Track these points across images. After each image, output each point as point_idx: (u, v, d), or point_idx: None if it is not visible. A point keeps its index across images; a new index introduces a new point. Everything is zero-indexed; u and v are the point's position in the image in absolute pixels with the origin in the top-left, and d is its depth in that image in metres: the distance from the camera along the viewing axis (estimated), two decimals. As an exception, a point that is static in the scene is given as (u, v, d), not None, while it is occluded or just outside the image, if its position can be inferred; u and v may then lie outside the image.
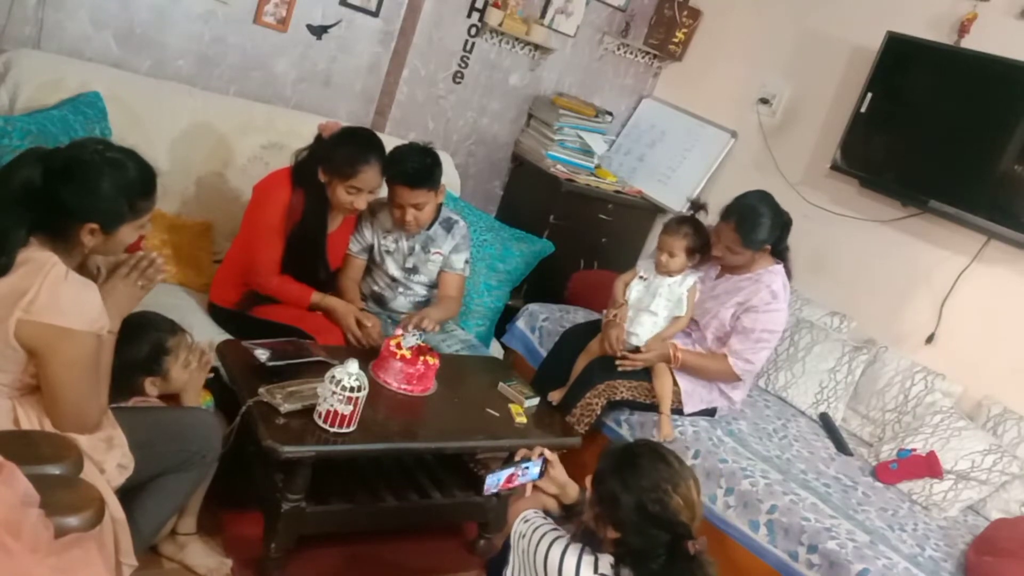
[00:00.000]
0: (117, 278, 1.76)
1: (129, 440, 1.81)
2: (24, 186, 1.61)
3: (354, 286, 2.81)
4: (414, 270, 2.85)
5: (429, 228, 2.80)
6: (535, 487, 1.94)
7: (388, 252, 2.82)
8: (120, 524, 1.71)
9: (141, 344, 1.98)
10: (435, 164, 2.67)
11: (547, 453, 1.96)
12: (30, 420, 1.72)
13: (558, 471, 1.95)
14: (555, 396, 2.85)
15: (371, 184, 2.56)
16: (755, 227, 2.75)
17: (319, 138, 2.61)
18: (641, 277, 2.90)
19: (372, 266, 2.87)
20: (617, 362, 2.81)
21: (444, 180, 3.45)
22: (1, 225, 1.59)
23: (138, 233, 1.76)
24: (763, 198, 2.81)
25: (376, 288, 2.89)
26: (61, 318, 1.59)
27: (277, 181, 2.58)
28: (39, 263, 1.60)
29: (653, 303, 2.83)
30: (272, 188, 2.57)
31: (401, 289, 2.88)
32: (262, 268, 2.57)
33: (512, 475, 1.92)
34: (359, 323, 2.59)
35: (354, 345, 2.58)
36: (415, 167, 2.62)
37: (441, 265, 2.86)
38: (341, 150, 2.53)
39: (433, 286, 2.91)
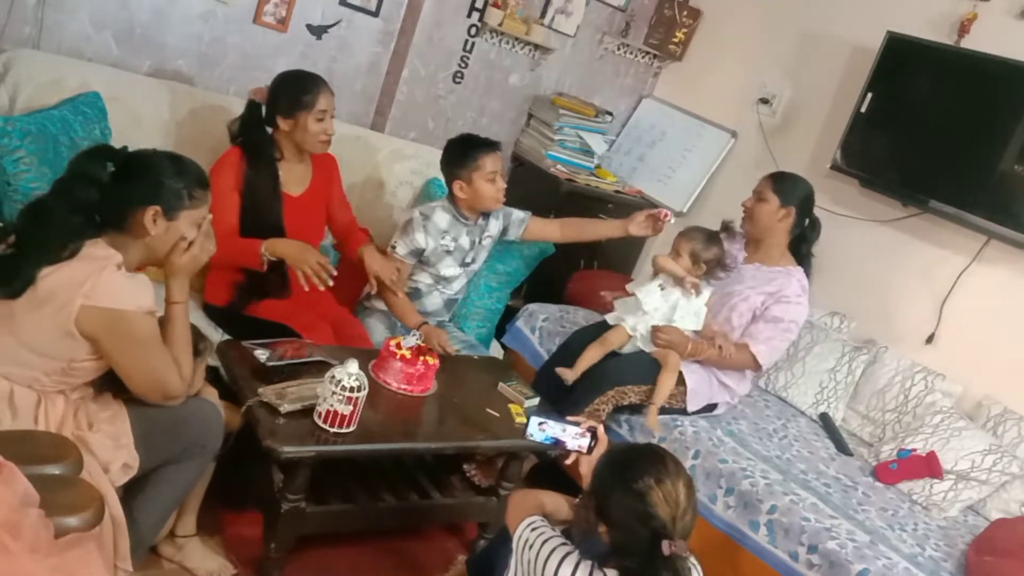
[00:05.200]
0: (177, 253, 1.88)
1: (134, 434, 1.82)
2: (92, 175, 1.77)
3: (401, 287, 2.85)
4: (472, 262, 2.97)
5: (480, 218, 2.93)
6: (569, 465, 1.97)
7: (448, 252, 2.87)
8: (119, 527, 1.71)
9: None
10: None
11: (600, 430, 1.97)
12: (48, 419, 1.74)
13: (599, 454, 1.95)
14: (567, 373, 2.79)
15: (332, 105, 2.64)
16: (789, 181, 2.92)
17: (253, 103, 2.63)
18: (660, 287, 2.85)
19: (417, 267, 2.92)
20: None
21: (443, 179, 3.48)
22: (68, 214, 1.73)
23: (195, 229, 1.89)
24: (805, 181, 2.98)
25: (414, 287, 2.93)
26: (118, 302, 1.72)
27: (228, 153, 2.60)
28: (98, 257, 1.73)
29: (674, 316, 2.81)
30: (224, 159, 2.59)
31: (441, 286, 2.95)
32: (218, 231, 2.52)
33: (560, 440, 1.96)
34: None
35: (310, 285, 2.51)
36: (486, 137, 2.85)
37: (507, 234, 3.04)
38: (290, 88, 2.60)
39: (471, 278, 3.05)
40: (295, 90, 2.59)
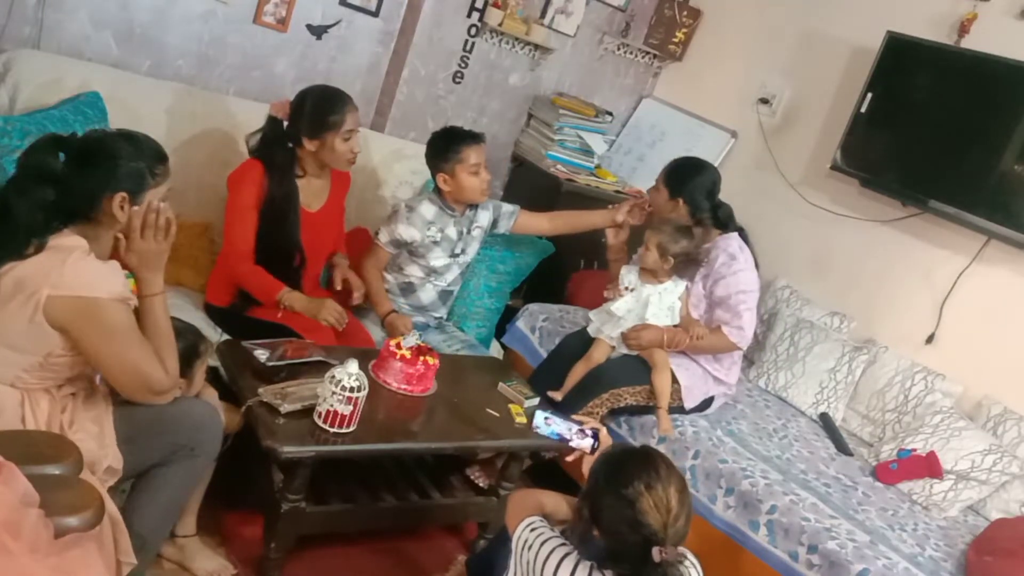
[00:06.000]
0: (134, 243, 1.78)
1: (117, 436, 1.80)
2: (45, 169, 1.69)
3: (377, 273, 2.88)
4: (462, 253, 2.96)
5: (468, 209, 2.93)
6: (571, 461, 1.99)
7: (436, 243, 2.88)
8: (116, 523, 1.71)
9: (183, 337, 1.97)
10: None
11: (602, 431, 1.97)
12: (36, 417, 1.72)
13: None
14: (556, 394, 2.82)
15: (358, 122, 2.63)
16: (680, 171, 2.87)
17: (273, 119, 2.61)
18: (628, 288, 2.84)
19: (407, 260, 2.92)
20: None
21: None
22: (25, 211, 1.66)
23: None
24: (713, 169, 2.92)
25: (407, 280, 2.94)
26: (86, 290, 1.66)
27: (250, 165, 2.58)
28: (65, 247, 1.67)
29: (647, 314, 2.79)
30: (246, 171, 2.57)
31: (433, 278, 2.94)
32: (234, 249, 2.55)
33: (565, 437, 1.97)
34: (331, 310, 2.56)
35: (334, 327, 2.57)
36: (469, 129, 2.86)
37: (497, 227, 3.05)
38: (317, 108, 2.57)
39: (464, 270, 3.03)
40: (321, 110, 2.55)
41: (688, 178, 2.87)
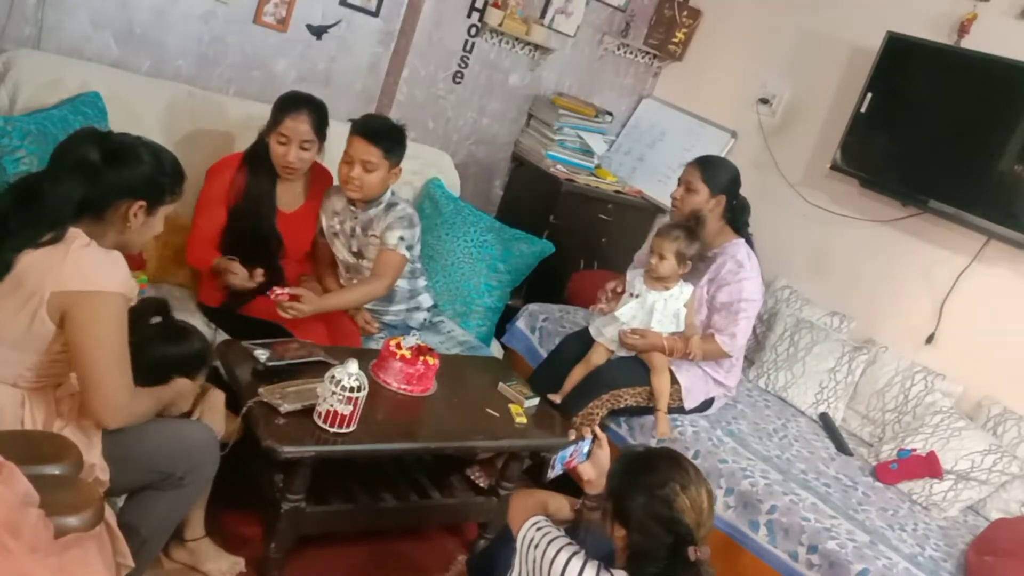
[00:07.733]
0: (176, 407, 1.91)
1: (104, 451, 1.76)
2: (81, 162, 1.70)
3: (323, 267, 2.87)
4: (360, 254, 2.81)
5: (370, 209, 2.73)
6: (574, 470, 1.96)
7: (335, 234, 2.83)
8: (112, 527, 1.70)
9: (192, 342, 2.00)
10: (400, 135, 2.68)
11: (598, 432, 1.97)
12: (34, 417, 1.72)
13: (603, 455, 1.94)
14: (555, 397, 2.83)
15: (298, 133, 2.56)
16: (716, 168, 2.87)
17: None
18: (632, 295, 2.82)
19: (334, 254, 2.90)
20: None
21: (443, 179, 3.47)
22: (57, 198, 1.67)
23: (162, 223, 1.86)
24: (735, 165, 2.94)
25: (341, 280, 2.90)
26: (86, 283, 1.65)
27: (226, 161, 2.62)
28: (67, 239, 1.66)
29: (651, 321, 2.78)
30: (220, 166, 2.61)
31: (352, 277, 2.86)
32: (193, 239, 2.58)
33: (573, 453, 1.95)
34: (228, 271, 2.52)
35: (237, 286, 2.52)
36: (377, 124, 2.67)
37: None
38: (274, 105, 2.62)
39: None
40: (275, 106, 2.61)
41: (726, 174, 2.89)
